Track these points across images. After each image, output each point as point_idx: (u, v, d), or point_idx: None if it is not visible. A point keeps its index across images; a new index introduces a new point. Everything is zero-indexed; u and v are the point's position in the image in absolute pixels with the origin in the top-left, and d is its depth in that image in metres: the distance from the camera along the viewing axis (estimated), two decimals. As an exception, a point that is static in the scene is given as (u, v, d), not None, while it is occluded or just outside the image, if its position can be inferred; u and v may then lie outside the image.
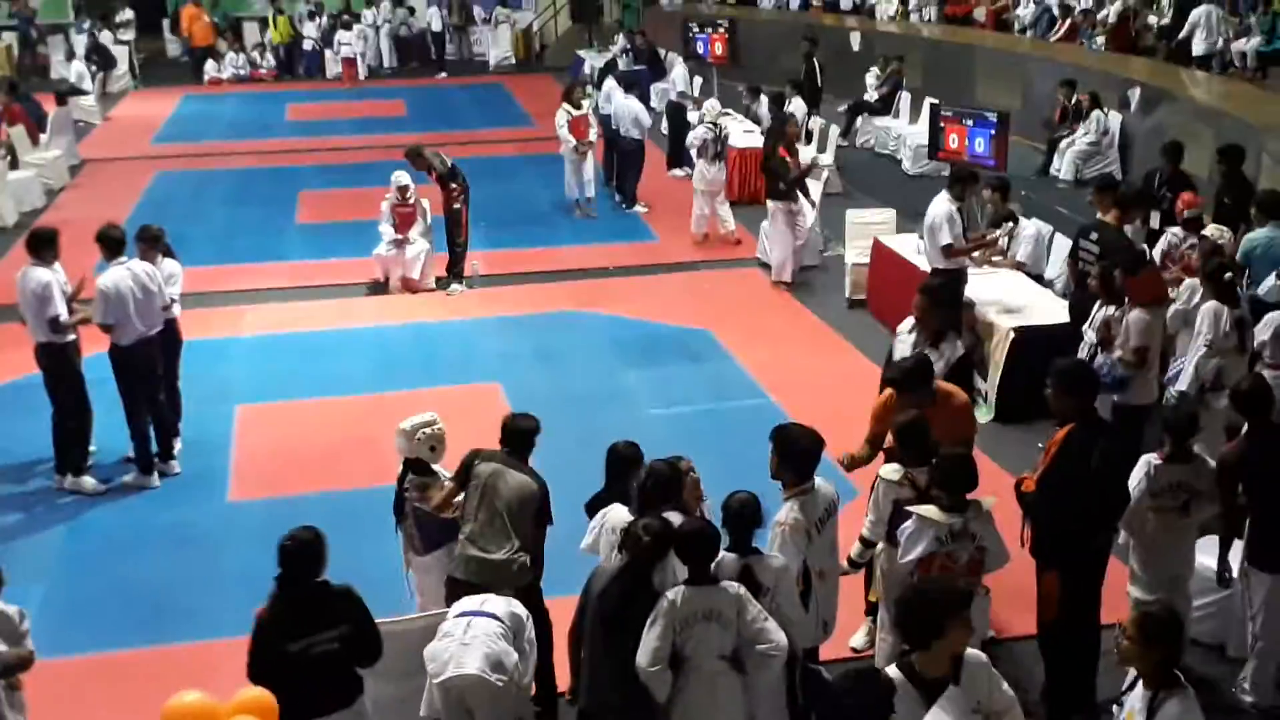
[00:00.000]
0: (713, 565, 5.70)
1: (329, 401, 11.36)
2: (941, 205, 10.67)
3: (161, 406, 9.99)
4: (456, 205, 14.02)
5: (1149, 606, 5.09)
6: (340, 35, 29.37)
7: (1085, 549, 6.70)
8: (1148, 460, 6.95)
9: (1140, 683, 4.95)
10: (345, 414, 11.08)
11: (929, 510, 6.33)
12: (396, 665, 6.40)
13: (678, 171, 19.23)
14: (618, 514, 6.32)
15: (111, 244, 9.75)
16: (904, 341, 8.36)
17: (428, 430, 7.10)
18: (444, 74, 29.70)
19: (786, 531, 6.15)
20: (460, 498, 6.84)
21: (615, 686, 5.67)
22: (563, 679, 6.56)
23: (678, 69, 20.36)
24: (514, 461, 6.80)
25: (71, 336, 9.73)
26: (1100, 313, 8.91)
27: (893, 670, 4.96)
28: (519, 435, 6.85)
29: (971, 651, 5.05)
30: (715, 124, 15.94)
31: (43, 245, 9.64)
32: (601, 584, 5.80)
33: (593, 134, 16.99)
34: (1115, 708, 5.09)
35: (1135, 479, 6.91)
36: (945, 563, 6.27)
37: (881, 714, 4.54)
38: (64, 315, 9.50)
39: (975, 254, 11.07)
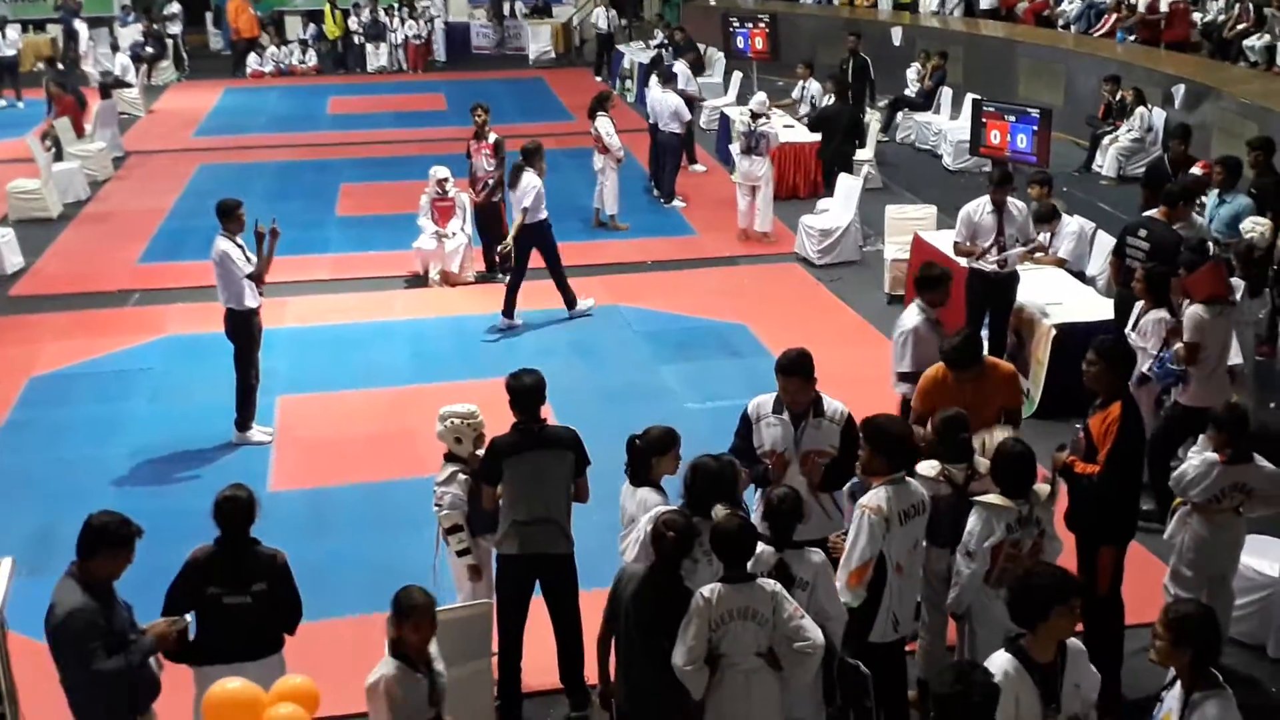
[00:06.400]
0: (751, 560, 5.69)
1: (368, 393, 11.44)
2: (972, 204, 10.75)
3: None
4: (496, 199, 14.09)
5: (1182, 606, 5.06)
6: (407, 25, 29.83)
7: (1135, 523, 6.93)
8: (1209, 460, 6.93)
9: (1178, 682, 4.93)
10: (384, 406, 11.15)
11: (995, 498, 6.31)
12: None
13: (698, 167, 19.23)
14: (651, 499, 6.33)
15: None
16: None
17: (455, 421, 7.06)
18: (599, 78, 27.92)
19: (869, 513, 6.00)
20: (499, 492, 6.86)
21: (654, 687, 5.67)
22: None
23: (678, 65, 19.91)
24: (534, 432, 6.80)
25: (251, 303, 10.23)
26: (1147, 316, 8.83)
27: (1004, 655, 5.08)
28: (524, 394, 6.84)
29: (1072, 640, 5.21)
30: (751, 117, 15.87)
31: (224, 215, 10.22)
32: (633, 587, 5.78)
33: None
34: (1158, 704, 5.06)
35: (1192, 475, 6.96)
36: (1010, 550, 6.26)
37: (988, 711, 4.60)
38: (247, 271, 10.16)
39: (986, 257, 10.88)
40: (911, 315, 8.57)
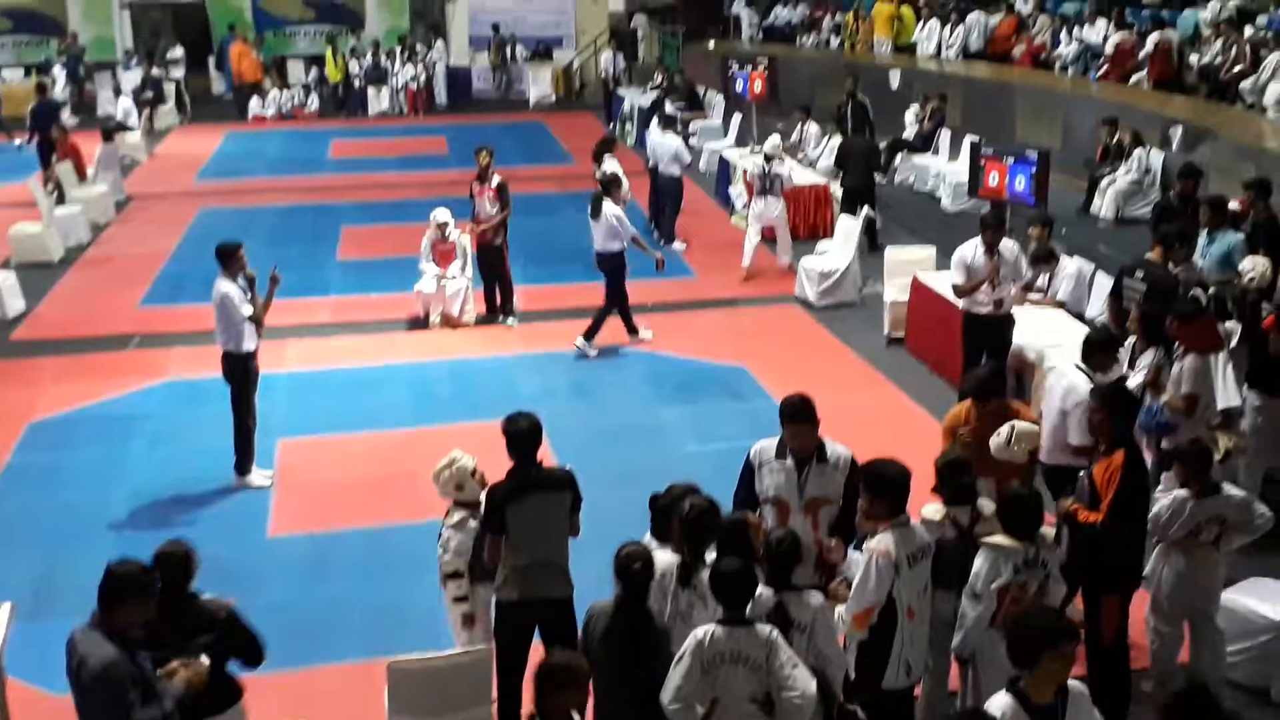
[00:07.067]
0: (750, 603, 5.67)
1: (369, 436, 11.43)
2: (965, 246, 10.79)
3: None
4: (498, 242, 14.18)
5: (1169, 687, 4.97)
6: (404, 69, 30.00)
7: (1139, 572, 6.95)
8: (1179, 497, 6.97)
9: None
10: (385, 449, 11.14)
11: (1002, 539, 6.30)
12: (432, 702, 6.41)
13: None
14: (663, 559, 6.28)
15: None
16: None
17: (446, 473, 7.10)
18: (611, 125, 26.78)
19: (877, 557, 5.97)
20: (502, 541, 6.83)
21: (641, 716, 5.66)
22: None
23: (666, 106, 19.86)
24: (531, 476, 6.79)
25: (250, 346, 10.32)
26: (1143, 357, 8.84)
27: (1003, 695, 5.08)
28: (521, 439, 6.82)
29: (1073, 683, 5.18)
30: (765, 159, 16.05)
31: (224, 258, 10.30)
32: (603, 624, 5.83)
33: None
34: None
35: (1167, 515, 6.99)
36: (1017, 594, 6.25)
37: None
38: (247, 314, 10.24)
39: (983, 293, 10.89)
40: (1081, 384, 7.96)
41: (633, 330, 13.69)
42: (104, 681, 5.31)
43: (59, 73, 28.31)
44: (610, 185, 13.65)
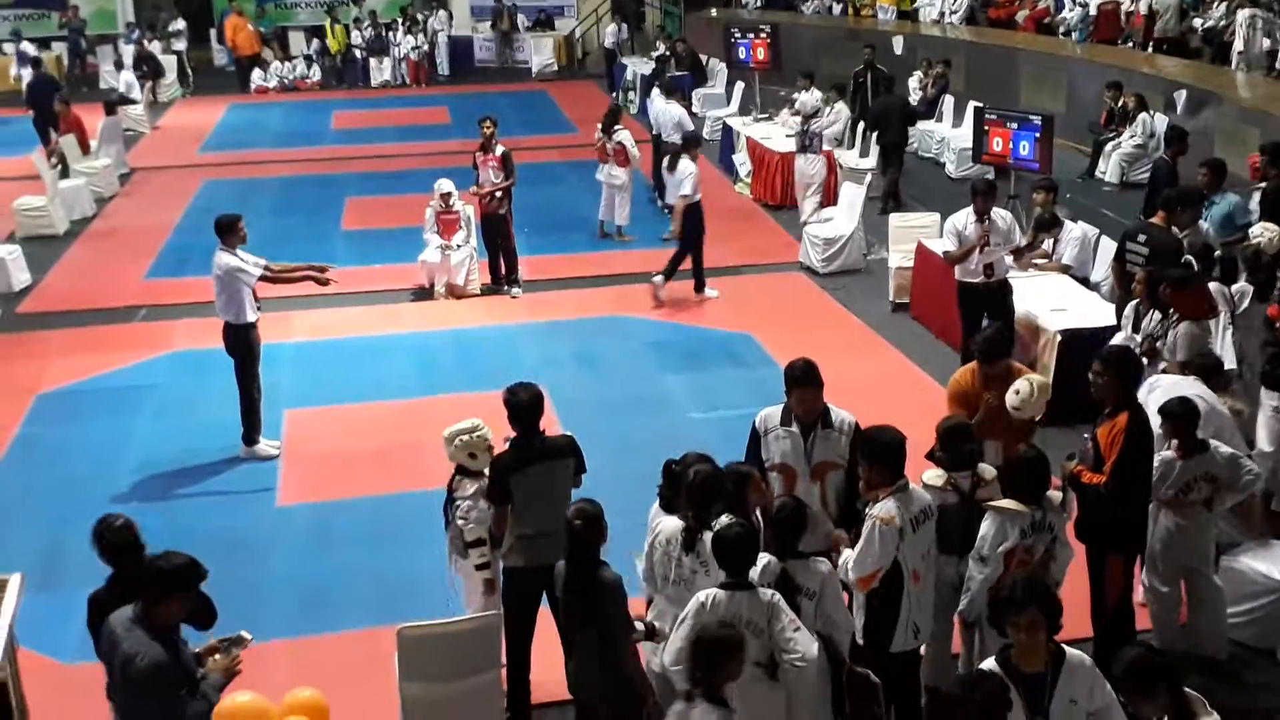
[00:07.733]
0: (755, 570, 5.70)
1: (375, 406, 11.46)
2: (957, 214, 10.77)
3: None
4: (502, 211, 14.16)
5: (1125, 655, 4.96)
6: (405, 39, 29.89)
7: (1143, 533, 6.94)
8: (1166, 458, 7.02)
9: None
10: (391, 419, 11.17)
11: (1009, 503, 6.31)
12: (442, 667, 6.46)
13: None
14: (669, 524, 6.31)
15: None
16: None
17: (465, 438, 7.06)
18: (615, 94, 26.34)
19: (879, 523, 5.94)
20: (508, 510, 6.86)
21: (599, 672, 5.80)
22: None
23: None
24: (535, 446, 6.83)
25: (251, 318, 10.32)
26: (1145, 318, 8.83)
27: (991, 662, 5.12)
28: (522, 410, 6.85)
29: (1073, 651, 5.18)
30: (804, 119, 16.37)
31: (224, 230, 10.26)
32: (561, 583, 6.01)
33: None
34: None
35: (1155, 477, 6.98)
36: (1024, 556, 6.27)
37: (1000, 712, 4.69)
38: (258, 273, 10.24)
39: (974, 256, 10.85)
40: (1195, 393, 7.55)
41: (700, 286, 14.03)
42: (154, 684, 5.21)
43: (28, 46, 28.07)
44: (690, 144, 14.25)
